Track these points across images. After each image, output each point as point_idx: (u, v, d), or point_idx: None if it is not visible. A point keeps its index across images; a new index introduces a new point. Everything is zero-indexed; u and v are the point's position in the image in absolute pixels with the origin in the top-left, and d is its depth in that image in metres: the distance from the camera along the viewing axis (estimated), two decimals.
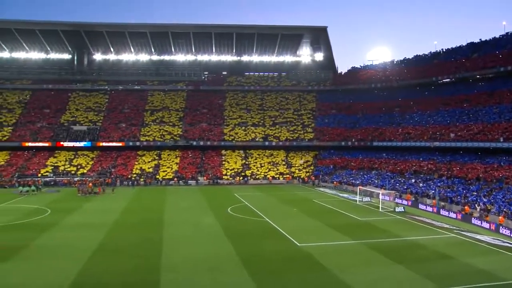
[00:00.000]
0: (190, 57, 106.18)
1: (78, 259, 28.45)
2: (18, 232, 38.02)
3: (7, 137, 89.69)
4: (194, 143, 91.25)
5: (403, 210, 49.61)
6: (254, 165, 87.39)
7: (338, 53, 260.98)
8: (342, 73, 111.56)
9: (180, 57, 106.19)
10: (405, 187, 62.53)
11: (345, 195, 63.70)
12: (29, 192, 66.07)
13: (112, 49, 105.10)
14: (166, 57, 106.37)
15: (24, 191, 66.45)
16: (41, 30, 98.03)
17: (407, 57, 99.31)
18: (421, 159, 72.77)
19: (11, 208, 52.19)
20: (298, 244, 32.80)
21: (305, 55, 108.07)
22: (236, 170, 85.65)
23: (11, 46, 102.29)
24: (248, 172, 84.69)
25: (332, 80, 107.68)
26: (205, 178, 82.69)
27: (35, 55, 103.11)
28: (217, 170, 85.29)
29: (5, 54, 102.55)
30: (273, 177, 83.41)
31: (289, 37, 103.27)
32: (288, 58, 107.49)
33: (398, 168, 72.57)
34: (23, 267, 27.28)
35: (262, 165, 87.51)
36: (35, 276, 25.58)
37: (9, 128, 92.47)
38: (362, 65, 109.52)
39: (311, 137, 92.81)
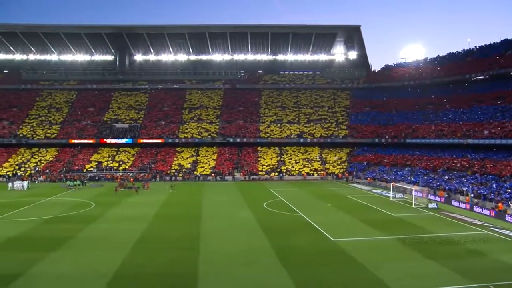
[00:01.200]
0: (226, 57, 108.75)
1: (121, 250, 29.99)
2: (65, 223, 40.34)
3: (55, 134, 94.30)
4: (231, 140, 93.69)
5: (436, 206, 49.60)
6: (289, 162, 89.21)
7: (372, 51, 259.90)
8: (376, 71, 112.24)
9: (217, 57, 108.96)
10: (438, 183, 62.63)
11: (378, 191, 64.50)
12: (75, 186, 69.69)
13: (152, 50, 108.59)
14: (204, 57, 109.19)
15: (71, 185, 70.20)
16: (86, 34, 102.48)
17: (440, 55, 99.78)
18: (454, 156, 73.04)
19: (59, 202, 55.22)
20: (332, 239, 33.19)
21: (339, 53, 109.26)
22: (271, 166, 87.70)
23: (59, 49, 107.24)
24: (283, 168, 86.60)
25: (365, 78, 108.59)
26: (241, 174, 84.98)
27: (81, 57, 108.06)
28: (253, 166, 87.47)
29: (54, 57, 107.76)
30: (308, 173, 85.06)
31: (323, 36, 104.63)
32: (322, 57, 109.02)
33: (431, 165, 72.90)
34: (70, 256, 28.94)
35: (297, 161, 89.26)
36: (81, 265, 26.99)
37: (57, 126, 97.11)
38: (395, 63, 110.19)
39: (345, 134, 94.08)
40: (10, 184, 67.98)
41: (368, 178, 76.94)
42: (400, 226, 39.03)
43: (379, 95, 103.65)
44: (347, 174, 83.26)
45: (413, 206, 50.21)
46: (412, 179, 68.20)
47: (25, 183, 69.91)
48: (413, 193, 53.03)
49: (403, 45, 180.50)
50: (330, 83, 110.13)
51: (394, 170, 77.73)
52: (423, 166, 74.16)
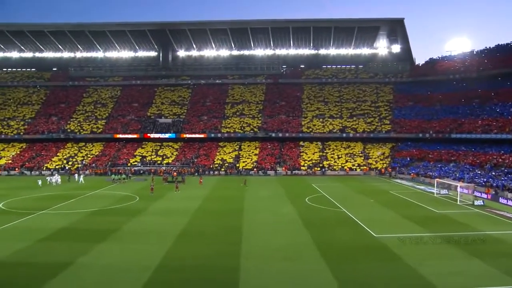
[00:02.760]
0: (268, 52, 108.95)
1: (164, 243, 30.62)
2: (111, 216, 41.51)
3: (101, 129, 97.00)
4: (273, 134, 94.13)
5: (482, 203, 48.03)
6: (331, 156, 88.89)
7: (415, 45, 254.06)
8: (420, 65, 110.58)
9: (259, 52, 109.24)
10: (485, 180, 60.99)
11: (422, 187, 63.42)
12: (120, 180, 71.54)
13: (194, 46, 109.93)
14: (246, 52, 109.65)
15: (116, 179, 72.06)
16: (130, 31, 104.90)
17: (488, 47, 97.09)
18: (502, 152, 71.10)
19: (105, 195, 56.95)
20: (375, 235, 32.87)
21: (382, 47, 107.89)
22: (313, 161, 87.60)
23: (104, 47, 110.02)
24: (325, 163, 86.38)
25: (409, 71, 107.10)
26: (283, 168, 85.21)
27: (125, 54, 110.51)
28: (295, 161, 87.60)
29: (100, 54, 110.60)
30: (350, 168, 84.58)
31: (365, 30, 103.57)
32: (365, 51, 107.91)
33: (478, 161, 71.19)
34: (115, 248, 29.79)
35: (340, 156, 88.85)
36: (126, 257, 27.68)
37: (103, 121, 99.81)
38: (440, 56, 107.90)
39: (388, 129, 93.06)
40: (48, 179, 68.70)
41: (412, 174, 75.79)
42: (444, 223, 38.31)
43: (423, 89, 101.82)
44: (390, 169, 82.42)
45: (458, 203, 49.05)
46: (458, 175, 66.82)
47: (80, 176, 72.64)
48: (458, 189, 51.72)
49: (448, 38, 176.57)
50: (373, 77, 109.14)
51: (439, 165, 76.35)
52: (469, 162, 72.53)
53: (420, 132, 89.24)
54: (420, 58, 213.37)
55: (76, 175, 76.49)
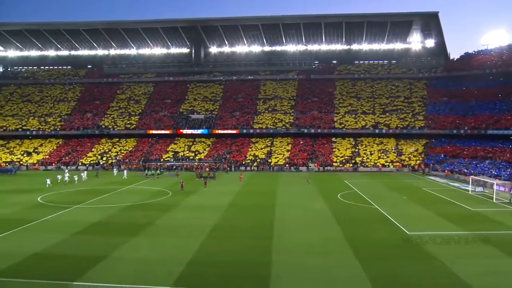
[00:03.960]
0: (300, 47, 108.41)
1: (196, 238, 30.89)
2: (144, 211, 42.17)
3: (134, 125, 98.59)
4: (305, 130, 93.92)
5: None
6: (364, 153, 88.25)
7: (450, 39, 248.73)
8: (454, 59, 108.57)
9: (291, 47, 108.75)
10: None
11: (456, 185, 62.33)
12: (153, 175, 72.53)
13: (226, 42, 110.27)
14: (278, 48, 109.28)
15: (149, 174, 73.07)
16: (163, 28, 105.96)
17: None
18: None
19: (138, 190, 57.93)
20: (408, 232, 32.42)
21: (416, 41, 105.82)
22: (346, 157, 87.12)
23: (138, 44, 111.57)
24: (357, 160, 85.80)
25: (443, 66, 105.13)
26: (315, 164, 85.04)
27: (158, 51, 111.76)
28: (327, 157, 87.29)
29: (133, 51, 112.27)
30: (383, 165, 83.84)
31: (398, 24, 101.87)
32: (398, 46, 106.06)
33: None
34: (148, 242, 30.31)
35: (372, 152, 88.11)
36: (159, 251, 28.18)
37: (136, 117, 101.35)
38: (476, 50, 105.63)
39: (422, 125, 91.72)
40: (59, 177, 65.91)
41: (446, 171, 74.70)
42: (479, 221, 37.62)
43: (458, 84, 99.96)
44: (423, 166, 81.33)
45: (494, 201, 47.93)
46: (494, 172, 65.74)
47: (124, 171, 74.15)
48: (495, 187, 50.76)
49: (484, 31, 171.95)
50: (406, 73, 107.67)
51: (474, 162, 74.98)
52: (506, 159, 70.98)
53: (455, 128, 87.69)
54: (455, 52, 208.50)
55: (115, 169, 79.09)
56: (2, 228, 33.65)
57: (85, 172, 72.53)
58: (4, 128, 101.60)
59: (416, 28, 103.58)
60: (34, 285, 22.11)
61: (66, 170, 73.17)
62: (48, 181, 59.08)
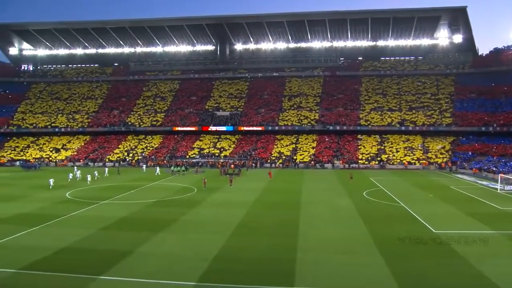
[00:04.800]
0: (326, 44, 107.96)
1: (221, 235, 30.97)
2: (169, 207, 42.65)
3: (160, 122, 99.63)
4: (331, 127, 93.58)
5: None
6: (389, 150, 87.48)
7: (479, 34, 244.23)
8: (483, 55, 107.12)
9: (316, 44, 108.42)
10: None
11: (485, 183, 61.14)
12: (179, 171, 73.08)
13: (251, 39, 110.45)
14: (303, 44, 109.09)
15: (175, 171, 73.64)
16: (188, 25, 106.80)
17: None
18: None
19: (164, 186, 58.54)
20: (434, 231, 31.89)
21: (443, 37, 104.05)
22: (371, 154, 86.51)
23: (163, 41, 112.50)
24: (383, 157, 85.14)
25: (472, 62, 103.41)
26: (341, 162, 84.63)
27: (183, 48, 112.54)
28: (353, 154, 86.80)
29: (159, 49, 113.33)
30: (409, 162, 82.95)
31: (425, 20, 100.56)
32: (424, 41, 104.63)
33: None
34: (173, 238, 30.57)
35: (398, 150, 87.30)
36: (184, 247, 28.41)
37: (162, 114, 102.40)
38: (505, 46, 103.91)
39: (449, 122, 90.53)
40: (70, 175, 64.02)
41: (474, 169, 73.37)
42: (508, 220, 36.89)
43: (486, 81, 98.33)
44: (450, 164, 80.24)
45: None
46: None
47: (157, 168, 74.53)
48: None
49: None
50: (433, 69, 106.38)
51: (503, 160, 73.71)
52: None
53: (483, 126, 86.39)
54: (483, 48, 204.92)
55: (144, 166, 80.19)
56: (32, 223, 34.51)
57: (107, 169, 73.23)
58: (34, 125, 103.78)
59: (443, 24, 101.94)
60: (63, 278, 22.67)
61: (75, 168, 73.84)
62: (51, 182, 55.05)
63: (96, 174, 65.21)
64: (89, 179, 59.99)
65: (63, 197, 48.30)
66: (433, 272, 23.70)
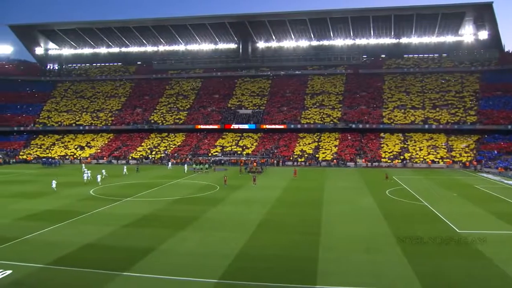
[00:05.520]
0: (348, 41, 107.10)
1: (243, 232, 31.11)
2: (192, 205, 42.85)
3: (183, 120, 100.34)
4: (353, 125, 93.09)
5: None
6: (413, 149, 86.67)
7: (505, 30, 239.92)
8: (510, 52, 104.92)
9: (339, 42, 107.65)
10: None
11: (511, 182, 60.07)
12: (202, 169, 73.48)
13: (273, 37, 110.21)
14: (325, 42, 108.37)
15: (198, 168, 74.05)
16: (210, 24, 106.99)
17: None
18: None
19: (186, 184, 58.97)
20: (458, 230, 31.42)
21: (468, 34, 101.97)
22: (394, 153, 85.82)
23: (186, 40, 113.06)
24: (406, 155, 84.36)
25: (498, 59, 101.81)
26: (363, 160, 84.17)
27: (206, 46, 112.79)
28: (375, 153, 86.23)
29: (181, 47, 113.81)
30: (433, 161, 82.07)
31: (450, 16, 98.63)
32: (449, 38, 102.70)
33: None
34: (196, 236, 30.64)
35: (421, 148, 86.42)
36: (206, 245, 28.42)
37: (185, 112, 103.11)
38: None
39: (474, 120, 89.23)
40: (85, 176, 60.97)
41: (499, 168, 72.20)
42: None
43: None
44: (475, 162, 79.04)
45: None
46: None
47: (185, 165, 75.87)
48: None
49: None
50: (457, 66, 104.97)
51: None
52: None
53: (510, 124, 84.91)
54: (510, 44, 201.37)
55: (170, 163, 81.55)
56: (57, 219, 35.20)
57: (125, 167, 73.73)
58: (59, 123, 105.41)
59: (468, 20, 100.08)
60: (87, 274, 23.01)
61: (84, 166, 74.29)
62: (54, 184, 51.89)
63: (104, 173, 62.48)
64: (99, 179, 57.68)
65: (87, 194, 49.04)
66: (457, 273, 23.39)
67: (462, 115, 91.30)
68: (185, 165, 76.86)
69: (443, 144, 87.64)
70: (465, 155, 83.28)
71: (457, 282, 22.22)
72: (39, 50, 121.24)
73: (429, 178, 64.89)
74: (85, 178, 59.45)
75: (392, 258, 25.48)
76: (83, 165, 77.08)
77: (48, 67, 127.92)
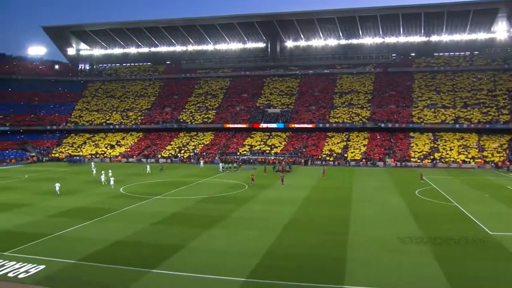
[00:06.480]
0: (377, 40, 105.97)
1: (272, 231, 31.35)
2: (220, 203, 43.32)
3: (211, 119, 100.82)
4: (382, 125, 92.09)
5: None
6: (443, 148, 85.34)
7: None
8: None
9: (368, 40, 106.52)
10: None
11: None
12: (230, 168, 73.79)
13: (302, 36, 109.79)
14: (354, 41, 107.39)
15: (226, 167, 74.37)
16: (239, 23, 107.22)
17: None
18: None
19: (215, 183, 59.35)
20: (490, 232, 30.93)
21: (501, 30, 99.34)
22: (424, 152, 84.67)
23: (214, 39, 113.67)
24: (436, 155, 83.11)
25: None
26: (392, 160, 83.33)
27: (234, 46, 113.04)
28: (405, 152, 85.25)
29: (210, 47, 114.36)
30: (463, 161, 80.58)
31: (482, 13, 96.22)
32: (481, 36, 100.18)
33: None
34: (224, 234, 31.04)
35: (452, 148, 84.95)
36: (235, 243, 29.00)
37: (213, 111, 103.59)
38: None
39: (507, 119, 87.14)
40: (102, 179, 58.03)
41: None
42: None
43: None
44: (508, 163, 77.27)
45: None
46: None
47: (220, 165, 75.79)
48: None
49: None
50: (490, 64, 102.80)
51: None
52: None
53: None
54: None
55: (202, 162, 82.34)
56: (87, 216, 36.08)
57: (148, 166, 74.36)
58: (90, 122, 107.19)
59: (501, 16, 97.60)
60: (118, 270, 23.52)
61: (93, 164, 74.83)
62: (57, 187, 49.25)
63: (110, 174, 58.54)
64: (112, 182, 54.47)
65: (117, 192, 49.90)
66: (489, 276, 23.01)
67: (494, 114, 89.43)
68: (219, 163, 77.27)
69: (475, 143, 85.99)
70: (498, 155, 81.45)
71: (488, 285, 21.94)
72: (71, 51, 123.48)
73: (459, 178, 63.87)
74: (103, 179, 57.17)
75: (421, 259, 25.24)
76: (92, 163, 76.22)
77: (80, 67, 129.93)
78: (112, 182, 54.44)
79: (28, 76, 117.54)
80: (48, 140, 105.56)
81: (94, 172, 66.53)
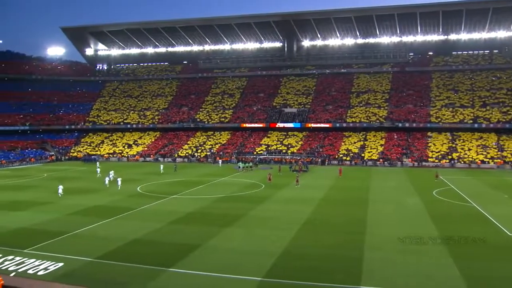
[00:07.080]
0: (394, 39, 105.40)
1: (289, 231, 31.28)
2: (237, 202, 43.47)
3: (228, 119, 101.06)
4: (400, 124, 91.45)
5: None
6: (461, 148, 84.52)
7: None
8: None
9: (385, 39, 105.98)
10: None
11: None
12: (246, 168, 73.91)
13: (319, 35, 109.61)
14: (371, 40, 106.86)
15: (242, 167, 74.52)
16: (255, 23, 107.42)
17: None
18: None
19: (232, 182, 59.50)
20: (509, 233, 30.54)
21: None
22: (442, 152, 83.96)
23: (231, 39, 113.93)
24: (454, 155, 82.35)
25: None
26: (410, 159, 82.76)
27: (251, 45, 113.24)
28: (422, 152, 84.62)
29: (227, 47, 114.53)
30: (482, 161, 79.73)
31: (502, 10, 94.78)
32: (501, 34, 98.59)
33: None
34: (241, 233, 31.14)
35: (470, 148, 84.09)
36: (251, 242, 28.99)
37: (230, 111, 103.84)
38: None
39: None
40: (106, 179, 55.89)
41: None
42: None
43: None
44: None
45: None
46: None
47: (239, 164, 75.95)
48: None
49: None
50: (509, 63, 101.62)
51: None
52: None
53: None
54: None
55: (220, 161, 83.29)
56: (105, 215, 36.43)
57: (162, 165, 74.58)
58: (108, 121, 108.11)
59: None
60: (135, 269, 23.68)
61: (98, 164, 75.04)
62: (60, 189, 46.87)
63: (112, 174, 58.90)
64: (119, 183, 52.96)
65: (135, 191, 50.31)
66: (508, 277, 22.69)
67: None
68: (240, 163, 77.31)
69: (494, 143, 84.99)
70: None
71: (506, 287, 21.63)
72: (89, 51, 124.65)
73: (478, 178, 63.17)
74: (106, 181, 55.14)
75: (438, 260, 25.01)
76: (98, 163, 75.78)
77: (98, 67, 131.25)
78: (119, 183, 52.80)
79: (47, 76, 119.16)
80: (66, 139, 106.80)
81: (99, 172, 66.65)
